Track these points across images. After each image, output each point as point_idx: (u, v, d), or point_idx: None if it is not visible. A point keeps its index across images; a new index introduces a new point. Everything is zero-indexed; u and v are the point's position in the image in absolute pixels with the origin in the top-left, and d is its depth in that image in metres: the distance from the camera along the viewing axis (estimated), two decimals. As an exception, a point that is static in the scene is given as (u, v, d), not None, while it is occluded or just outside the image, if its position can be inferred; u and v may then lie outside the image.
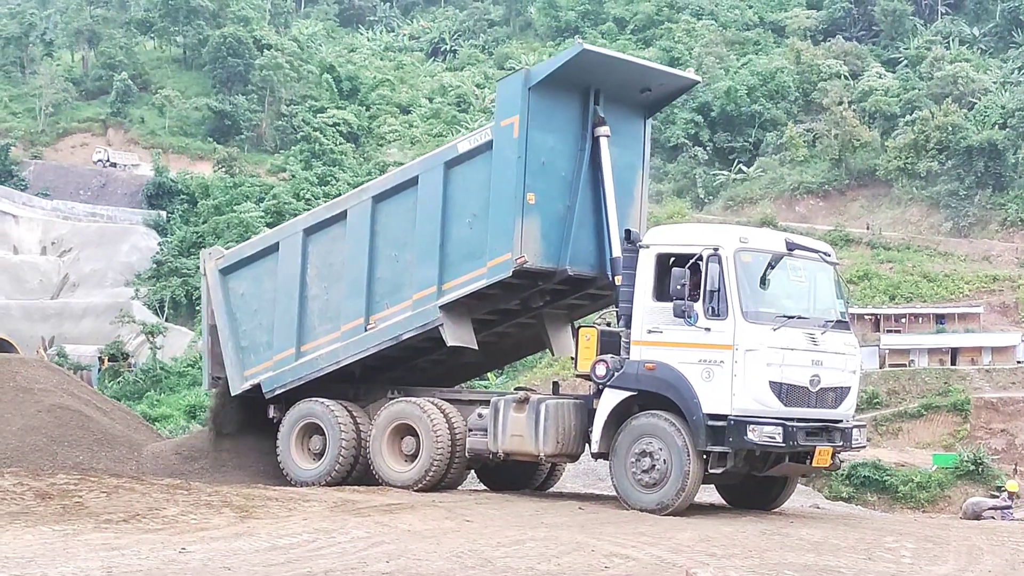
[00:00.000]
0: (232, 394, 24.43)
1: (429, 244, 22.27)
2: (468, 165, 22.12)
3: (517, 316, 23.68)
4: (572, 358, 22.17)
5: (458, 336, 22.24)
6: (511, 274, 21.34)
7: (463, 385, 25.54)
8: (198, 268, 26.44)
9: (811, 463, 20.41)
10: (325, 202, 25.39)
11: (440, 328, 22.09)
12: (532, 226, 21.36)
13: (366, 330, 22.91)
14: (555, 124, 21.85)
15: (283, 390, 23.79)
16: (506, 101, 22.02)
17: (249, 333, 24.52)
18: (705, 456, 19.67)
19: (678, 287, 19.47)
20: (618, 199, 22.17)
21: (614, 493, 20.91)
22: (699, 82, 25.04)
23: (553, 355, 24.68)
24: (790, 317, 19.83)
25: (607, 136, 22.09)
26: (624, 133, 22.80)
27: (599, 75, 22.14)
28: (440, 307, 22.03)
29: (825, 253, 21.06)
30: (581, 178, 21.99)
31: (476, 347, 22.68)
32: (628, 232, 21.20)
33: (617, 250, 21.64)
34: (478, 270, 21.74)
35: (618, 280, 21.18)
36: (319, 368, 23.45)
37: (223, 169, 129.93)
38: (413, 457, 22.29)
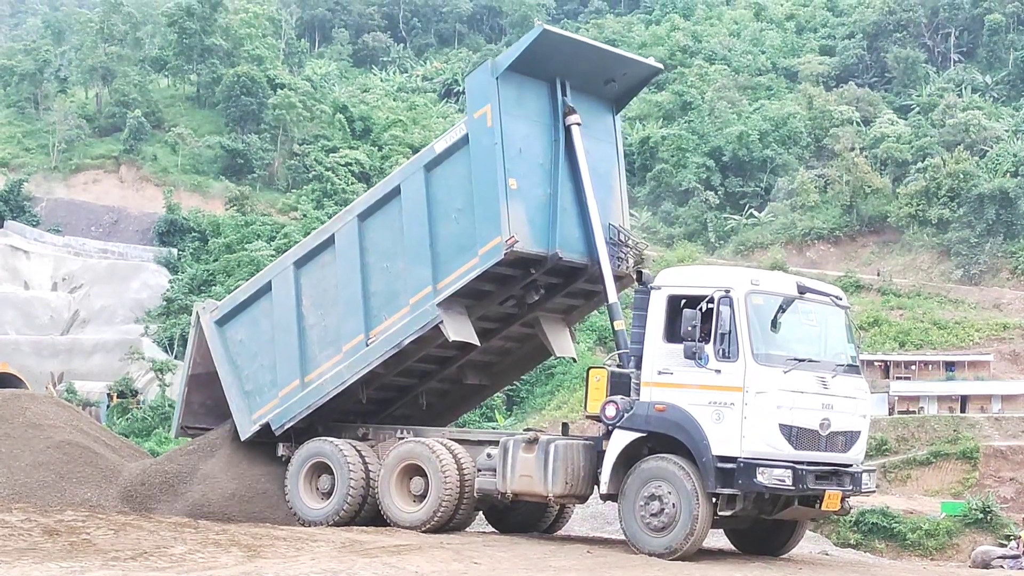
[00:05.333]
0: (242, 439, 24.39)
1: (419, 247, 22.34)
2: (447, 164, 22.28)
3: (514, 321, 23.67)
4: (572, 355, 22.29)
5: (459, 331, 22.22)
6: (503, 256, 21.36)
7: (468, 421, 25.53)
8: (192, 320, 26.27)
9: (820, 507, 20.35)
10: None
11: (440, 325, 22.07)
12: (518, 210, 21.50)
13: (367, 345, 22.91)
14: (527, 112, 22.08)
15: (292, 423, 23.73)
16: (476, 92, 22.20)
17: (252, 376, 24.50)
18: (714, 499, 19.63)
19: (689, 328, 19.47)
20: (598, 191, 22.44)
21: (622, 537, 20.86)
22: (661, 70, 25.28)
23: (555, 356, 24.60)
24: (801, 360, 19.81)
25: (578, 124, 22.32)
26: (595, 127, 23.07)
27: (564, 63, 22.33)
28: (438, 304, 22.05)
29: (836, 297, 21.06)
30: (559, 166, 22.23)
31: (478, 343, 22.66)
32: (639, 274, 21.28)
33: (600, 238, 22.05)
34: (471, 261, 21.81)
35: (606, 272, 21.85)
36: (325, 393, 23.40)
37: (235, 207, 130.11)
38: (422, 498, 22.24)
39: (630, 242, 22.99)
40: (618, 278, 22.46)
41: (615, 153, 23.76)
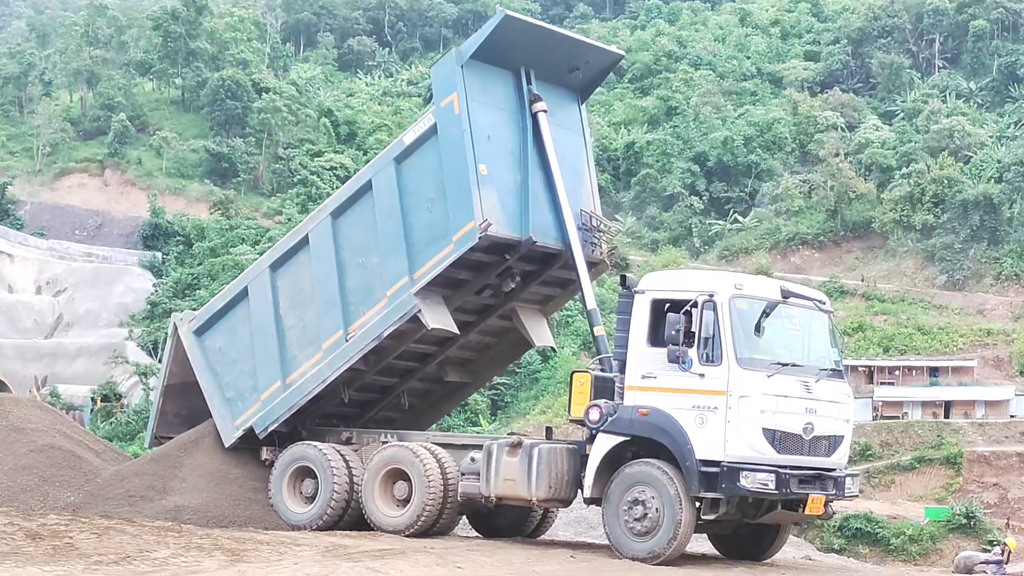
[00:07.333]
0: (226, 446, 24.35)
1: (394, 239, 22.39)
2: (417, 155, 22.38)
3: (492, 312, 23.76)
4: (551, 344, 22.70)
5: (438, 319, 22.28)
6: (477, 241, 21.42)
7: (452, 425, 25.60)
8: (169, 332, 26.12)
9: (804, 511, 20.38)
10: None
11: (419, 314, 22.11)
12: (490, 195, 21.61)
13: (347, 341, 22.93)
14: (493, 100, 22.25)
15: (275, 425, 23.71)
16: (442, 81, 22.38)
17: (233, 383, 24.47)
18: (698, 503, 19.63)
19: (673, 333, 19.47)
20: (567, 178, 22.63)
21: (606, 541, 20.84)
22: (623, 56, 25.50)
23: (535, 346, 24.64)
24: (784, 364, 19.81)
25: (545, 111, 22.51)
26: (562, 116, 23.25)
27: (527, 51, 22.51)
28: (415, 294, 22.10)
29: (820, 301, 21.07)
30: (528, 152, 22.40)
31: (457, 331, 22.72)
32: (624, 278, 21.28)
33: (570, 223, 22.20)
34: (446, 248, 21.88)
35: (577, 256, 22.00)
36: (308, 392, 23.38)
37: (219, 211, 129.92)
38: (405, 502, 22.22)
39: (602, 227, 23.10)
40: (591, 264, 22.63)
41: (583, 141, 23.96)
